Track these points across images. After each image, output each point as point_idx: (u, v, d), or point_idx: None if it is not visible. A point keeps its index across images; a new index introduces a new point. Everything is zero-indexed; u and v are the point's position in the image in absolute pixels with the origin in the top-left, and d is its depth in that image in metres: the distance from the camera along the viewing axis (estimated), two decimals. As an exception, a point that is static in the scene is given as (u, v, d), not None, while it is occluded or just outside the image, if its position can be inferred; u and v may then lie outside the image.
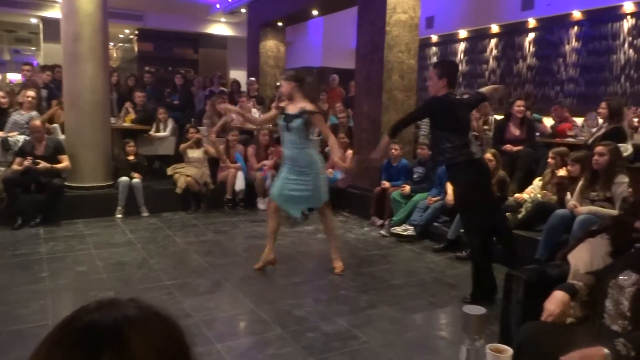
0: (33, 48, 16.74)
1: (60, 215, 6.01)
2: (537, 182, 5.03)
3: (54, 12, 11.59)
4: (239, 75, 12.70)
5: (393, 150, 6.35)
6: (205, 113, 8.14)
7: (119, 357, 0.66)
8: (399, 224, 5.77)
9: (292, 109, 4.31)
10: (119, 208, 6.46)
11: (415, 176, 6.13)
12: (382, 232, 5.94)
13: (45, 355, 0.69)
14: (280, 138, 4.52)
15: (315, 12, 9.53)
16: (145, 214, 6.56)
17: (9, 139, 6.35)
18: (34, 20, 12.61)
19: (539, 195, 4.90)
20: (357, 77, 7.16)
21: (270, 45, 10.74)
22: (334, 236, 4.71)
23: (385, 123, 6.62)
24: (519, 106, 5.94)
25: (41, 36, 12.46)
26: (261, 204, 7.16)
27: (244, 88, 10.27)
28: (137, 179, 6.55)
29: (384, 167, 6.49)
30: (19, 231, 5.66)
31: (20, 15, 12.17)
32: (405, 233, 5.62)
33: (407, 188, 5.94)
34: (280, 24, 10.55)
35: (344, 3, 8.56)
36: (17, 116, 6.64)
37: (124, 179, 6.50)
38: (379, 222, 6.27)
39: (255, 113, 8.41)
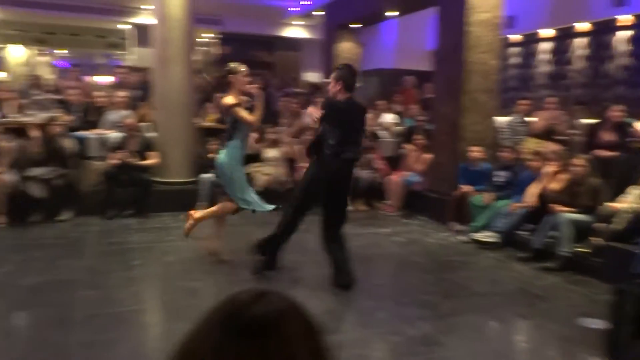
0: (122, 52, 17.74)
1: (149, 207, 6.31)
2: (635, 191, 4.67)
3: (144, 19, 12.23)
4: (312, 77, 12.82)
5: (472, 153, 6.15)
6: (283, 114, 8.24)
7: (280, 349, 0.70)
8: (480, 230, 5.57)
9: None
10: (201, 203, 6.67)
11: (497, 180, 5.89)
12: (462, 237, 5.76)
13: (210, 340, 0.71)
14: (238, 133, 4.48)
15: (392, 13, 9.42)
16: (227, 209, 6.72)
17: (104, 136, 6.74)
18: (125, 27, 13.35)
19: (634, 205, 4.55)
20: (436, 78, 6.99)
21: (345, 47, 10.75)
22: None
23: (466, 126, 6.42)
24: (616, 111, 5.56)
25: (131, 41, 13.17)
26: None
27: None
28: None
29: (462, 171, 6.29)
30: (113, 221, 6.00)
31: (112, 22, 12.94)
32: (486, 240, 5.41)
33: (489, 196, 5.69)
34: (355, 25, 10.52)
35: (424, 3, 8.40)
36: (112, 115, 7.04)
37: (206, 175, 6.71)
38: (458, 227, 6.08)
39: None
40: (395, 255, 5.22)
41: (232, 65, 4.62)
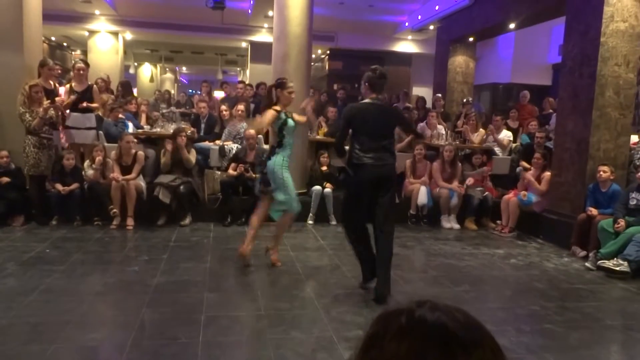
0: (238, 69, 18.84)
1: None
2: None
3: (261, 36, 12.90)
4: (422, 92, 12.65)
5: (601, 173, 5.66)
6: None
7: (476, 358, 0.66)
8: (609, 257, 5.07)
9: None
10: (311, 215, 6.83)
11: (633, 204, 5.35)
12: (587, 264, 5.29)
13: (389, 343, 0.69)
14: (286, 139, 4.69)
15: (512, 26, 9.02)
16: (334, 222, 6.82)
17: (225, 146, 7.16)
18: (243, 44, 14.18)
19: None
20: (561, 92, 6.55)
21: (459, 61, 10.48)
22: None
23: (595, 144, 5.94)
24: None
25: (248, 58, 13.95)
26: (445, 222, 6.95)
27: (429, 105, 10.17)
28: (328, 189, 6.86)
29: (590, 192, 5.81)
30: (229, 228, 6.33)
31: (233, 40, 13.79)
32: (617, 269, 4.91)
33: (623, 223, 5.17)
34: (471, 39, 10.23)
35: (548, 14, 7.95)
36: (231, 127, 7.46)
37: (317, 187, 6.86)
38: (582, 253, 5.61)
39: (441, 130, 8.25)
40: (512, 278, 4.93)
41: (281, 80, 4.91)
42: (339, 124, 8.15)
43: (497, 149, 8.02)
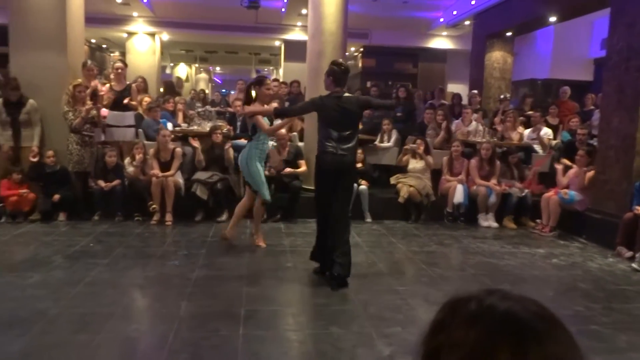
0: (271, 67, 18.98)
1: (297, 213, 6.60)
2: None
3: (295, 35, 12.96)
4: (457, 88, 12.46)
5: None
6: (430, 125, 8.11)
7: (539, 352, 0.63)
8: (658, 257, 4.89)
9: None
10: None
11: (682, 203, 5.14)
12: (634, 265, 5.10)
13: (456, 329, 0.68)
14: (259, 134, 5.04)
15: (552, 19, 8.79)
16: (369, 219, 6.80)
17: (260, 144, 7.21)
18: (277, 43, 14.27)
19: None
20: (606, 87, 6.34)
21: (496, 56, 10.28)
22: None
23: (642, 139, 5.73)
24: None
25: (282, 56, 14.03)
26: (483, 221, 6.83)
27: (465, 101, 10.00)
28: (363, 186, 6.83)
29: (636, 190, 5.60)
30: (264, 224, 6.36)
31: (267, 39, 13.90)
32: (667, 269, 4.73)
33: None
34: (509, 34, 10.02)
35: (591, 6, 7.71)
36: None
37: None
38: (628, 253, 5.41)
39: (478, 126, 8.11)
40: (555, 278, 4.80)
41: (260, 78, 5.38)
42: (374, 122, 8.17)
43: (536, 146, 7.83)
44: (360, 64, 14.29)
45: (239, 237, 5.67)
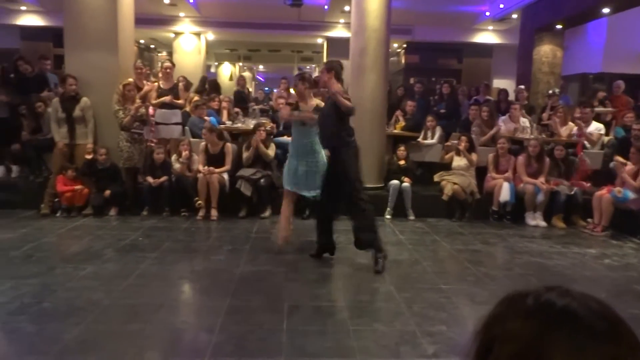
0: (313, 65, 19.04)
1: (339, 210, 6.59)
2: None
3: (337, 32, 12.96)
4: (503, 84, 12.14)
5: None
6: (475, 121, 7.94)
7: (596, 352, 0.61)
8: None
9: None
10: (389, 209, 6.78)
11: None
12: (694, 266, 4.85)
13: (512, 322, 0.66)
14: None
15: (605, 11, 8.43)
16: (412, 217, 6.73)
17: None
18: (319, 41, 14.32)
19: None
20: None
21: (545, 50, 9.96)
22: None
23: None
24: None
25: (324, 54, 14.06)
26: (531, 219, 6.64)
27: (511, 97, 9.73)
28: (406, 183, 6.77)
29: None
30: (307, 221, 6.41)
31: (309, 37, 13.97)
32: None
33: None
34: (558, 26, 9.68)
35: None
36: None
37: (395, 182, 6.79)
38: (688, 254, 5.15)
39: (525, 122, 7.87)
40: (608, 280, 4.62)
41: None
42: (417, 118, 8.08)
43: (586, 143, 7.53)
44: (403, 61, 14.14)
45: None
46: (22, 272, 4.19)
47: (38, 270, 4.28)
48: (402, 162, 7.01)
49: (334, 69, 4.63)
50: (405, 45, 13.90)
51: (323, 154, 4.73)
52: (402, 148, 7.11)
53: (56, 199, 6.39)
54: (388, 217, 6.75)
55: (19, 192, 6.71)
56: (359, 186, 4.60)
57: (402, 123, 8.11)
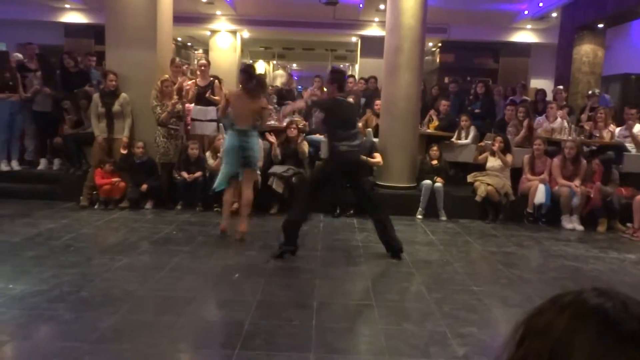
0: (347, 64, 18.99)
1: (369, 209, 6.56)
2: None
3: (372, 31, 12.89)
4: (541, 84, 11.83)
5: None
6: (511, 122, 7.77)
7: (619, 354, 0.59)
8: None
9: None
10: (420, 209, 6.71)
11: None
12: None
13: (548, 312, 0.67)
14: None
15: (652, 9, 8.11)
16: (444, 217, 6.64)
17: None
18: (353, 39, 14.27)
19: None
20: None
21: (585, 50, 9.65)
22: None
23: None
24: None
25: (358, 53, 14.01)
26: (567, 223, 6.46)
27: (549, 97, 9.48)
28: (439, 183, 6.69)
29: None
30: (337, 219, 6.43)
31: (344, 35, 13.93)
32: None
33: None
34: (600, 25, 9.37)
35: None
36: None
37: (427, 182, 6.71)
38: None
39: (563, 123, 7.65)
40: (649, 287, 4.45)
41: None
42: (451, 118, 7.96)
43: (629, 145, 7.27)
44: (438, 60, 13.95)
45: (311, 232, 5.74)
46: (62, 262, 4.33)
47: (77, 260, 4.42)
48: (435, 162, 6.92)
49: (337, 81, 4.84)
50: (440, 44, 13.71)
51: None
52: (435, 148, 7.02)
53: (94, 192, 6.57)
54: (420, 217, 6.68)
55: (59, 184, 6.93)
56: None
57: (435, 122, 8.00)
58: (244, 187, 5.37)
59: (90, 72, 7.98)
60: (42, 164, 7.43)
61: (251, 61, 18.48)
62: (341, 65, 19.84)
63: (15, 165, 7.27)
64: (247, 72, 5.38)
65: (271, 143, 6.82)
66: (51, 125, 7.38)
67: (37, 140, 7.66)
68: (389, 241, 4.78)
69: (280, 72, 20.18)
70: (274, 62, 20.01)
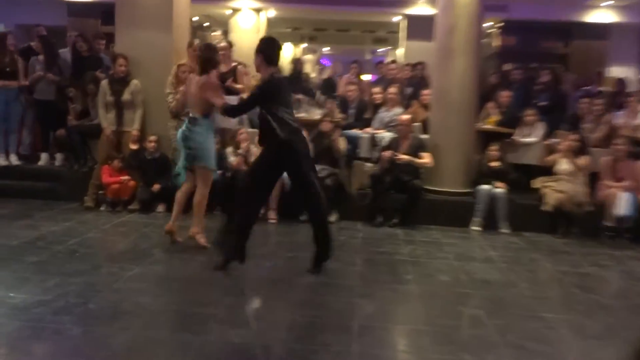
0: (388, 48, 18.92)
1: (417, 218, 6.55)
2: None
3: (418, 9, 12.80)
4: (622, 72, 11.57)
5: None
6: (586, 117, 7.62)
7: None
8: None
9: None
10: (477, 219, 6.63)
11: None
12: None
13: None
14: None
15: None
16: (505, 230, 6.55)
17: (376, 135, 7.25)
18: (395, 19, 14.19)
19: None
20: None
21: (678, 32, 9.37)
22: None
23: None
24: None
25: (402, 35, 13.93)
26: (656, 239, 6.29)
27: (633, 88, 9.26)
28: (500, 189, 6.59)
29: None
30: (379, 229, 6.41)
31: (384, 14, 13.87)
32: None
33: None
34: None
35: None
36: (383, 113, 7.53)
37: (485, 187, 6.64)
38: None
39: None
40: None
41: None
42: (513, 112, 7.84)
43: None
44: (497, 43, 13.77)
45: (349, 243, 5.74)
46: (66, 269, 4.45)
47: (83, 267, 4.53)
48: (494, 164, 6.84)
49: (262, 51, 4.62)
50: (499, 25, 13.53)
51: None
52: (495, 147, 6.94)
53: (101, 192, 6.72)
54: (476, 228, 6.60)
55: (62, 182, 7.12)
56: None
57: (495, 117, 7.90)
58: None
59: (102, 56, 8.13)
60: (43, 159, 7.64)
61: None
62: (380, 50, 19.81)
63: (14, 159, 7.50)
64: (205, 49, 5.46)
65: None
66: (54, 116, 7.57)
67: (36, 132, 7.88)
68: (323, 251, 4.69)
69: (309, 56, 20.28)
70: (303, 45, 20.08)
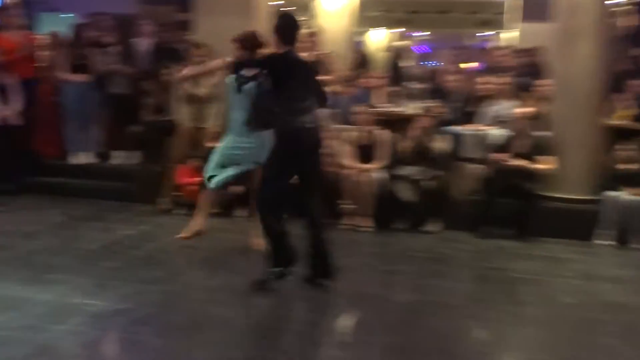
0: (493, 32, 18.48)
1: (533, 228, 6.34)
2: None
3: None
4: None
5: None
6: None
7: None
8: None
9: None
10: (603, 231, 6.33)
11: None
12: None
13: None
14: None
15: None
16: (637, 245, 6.23)
17: (484, 133, 7.05)
18: (504, -1, 13.90)
19: None
20: None
21: None
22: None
23: None
24: None
25: (511, 16, 13.57)
26: None
27: None
28: (632, 196, 6.27)
29: None
30: (486, 241, 6.24)
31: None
32: None
33: None
34: None
35: None
36: (493, 107, 7.30)
37: (614, 193, 6.33)
38: None
39: None
40: None
41: None
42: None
43: None
44: (626, 23, 13.11)
45: (453, 255, 5.66)
46: (144, 276, 4.64)
47: (162, 275, 4.72)
48: (624, 166, 6.52)
49: (278, 29, 4.56)
50: (631, 3, 12.89)
51: None
52: (628, 146, 6.62)
53: (177, 193, 6.93)
54: (602, 242, 6.32)
55: (136, 182, 7.41)
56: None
57: (626, 110, 7.52)
58: None
59: (182, 47, 8.38)
60: (116, 157, 7.98)
61: (365, 29, 18.53)
62: (483, 35, 19.37)
63: (88, 157, 7.89)
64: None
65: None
66: (129, 111, 7.89)
67: (110, 128, 8.24)
68: (321, 261, 4.52)
69: (406, 43, 20.12)
70: (398, 29, 19.90)
